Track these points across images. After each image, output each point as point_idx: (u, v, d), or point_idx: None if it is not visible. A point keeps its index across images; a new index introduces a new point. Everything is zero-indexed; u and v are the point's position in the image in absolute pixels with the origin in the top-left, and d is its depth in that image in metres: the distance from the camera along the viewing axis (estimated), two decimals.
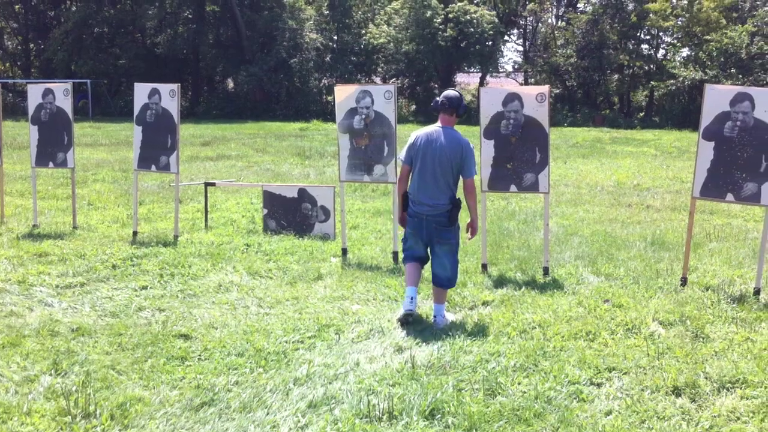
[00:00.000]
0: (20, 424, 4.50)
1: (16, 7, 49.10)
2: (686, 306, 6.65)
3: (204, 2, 44.77)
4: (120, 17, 44.49)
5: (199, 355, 5.58)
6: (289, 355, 5.58)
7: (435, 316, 6.37)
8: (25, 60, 49.63)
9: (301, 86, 41.82)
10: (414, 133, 6.53)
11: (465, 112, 6.44)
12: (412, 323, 6.22)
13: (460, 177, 6.37)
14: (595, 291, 7.16)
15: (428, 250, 6.48)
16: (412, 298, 6.27)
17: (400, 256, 6.96)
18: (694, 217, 7.84)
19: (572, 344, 5.76)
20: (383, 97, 8.31)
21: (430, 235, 6.35)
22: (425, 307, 6.72)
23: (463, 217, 6.60)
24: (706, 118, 7.27)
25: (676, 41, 40.67)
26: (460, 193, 6.36)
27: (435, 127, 6.40)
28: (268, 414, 4.63)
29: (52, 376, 5.18)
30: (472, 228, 6.51)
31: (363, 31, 43.10)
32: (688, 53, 39.34)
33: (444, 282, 6.39)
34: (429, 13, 39.72)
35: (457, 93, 6.48)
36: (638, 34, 40.43)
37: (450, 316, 6.47)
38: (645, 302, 6.80)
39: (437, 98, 6.50)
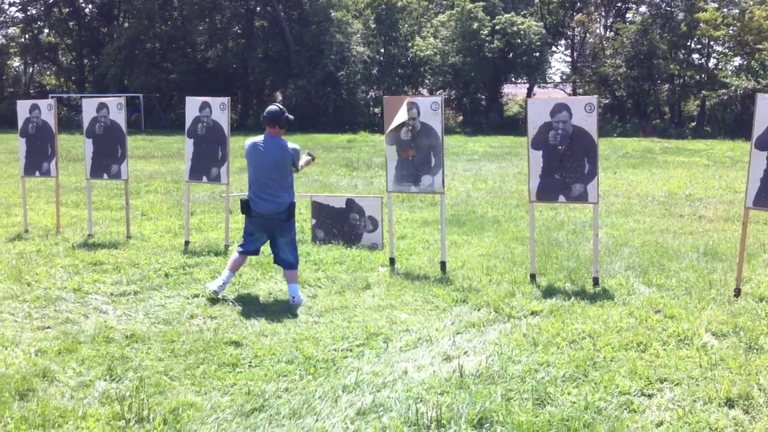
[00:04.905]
0: (75, 427, 4.59)
1: (71, 24, 50.40)
2: (740, 317, 6.54)
3: (253, 18, 45.45)
4: (171, 33, 45.39)
5: (250, 362, 5.64)
6: (337, 363, 5.62)
7: (293, 297, 7.21)
8: (80, 75, 50.88)
9: (349, 99, 42.14)
10: (246, 142, 7.43)
11: (287, 122, 7.24)
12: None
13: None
14: (646, 301, 7.08)
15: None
16: (224, 282, 7.31)
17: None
18: (748, 227, 7.70)
19: (623, 355, 5.70)
20: (430, 108, 8.33)
21: (273, 229, 7.34)
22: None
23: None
24: (759, 127, 7.15)
25: (727, 50, 40.05)
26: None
27: (261, 137, 7.29)
28: (317, 420, 4.67)
29: (106, 382, 5.29)
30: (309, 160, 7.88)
31: (410, 44, 43.27)
32: (740, 62, 38.71)
33: (288, 264, 7.35)
34: (476, 25, 39.74)
35: (276, 107, 7.26)
36: (689, 43, 39.95)
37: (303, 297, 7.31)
38: (697, 313, 6.70)
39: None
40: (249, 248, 7.51)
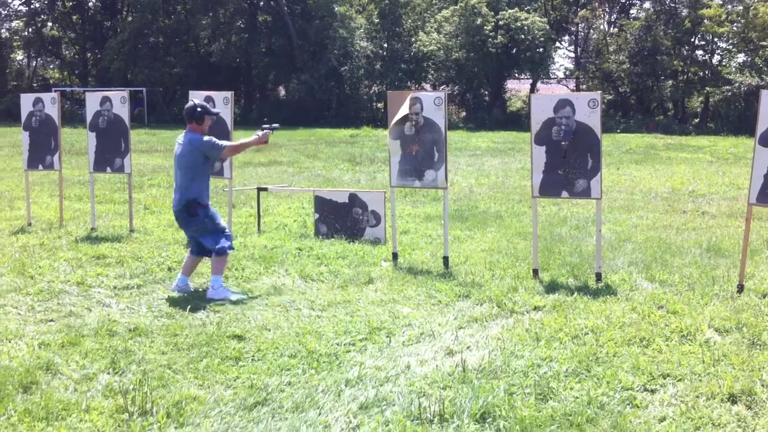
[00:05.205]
0: (79, 420, 4.60)
1: (74, 17, 50.38)
2: (743, 313, 6.53)
3: (256, 12, 45.43)
4: (174, 27, 45.36)
5: (253, 356, 5.65)
6: (340, 357, 5.63)
7: (210, 288, 7.25)
8: (83, 69, 50.86)
9: (352, 94, 42.14)
10: None
11: (200, 116, 7.17)
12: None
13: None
14: (649, 297, 7.07)
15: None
16: (178, 285, 7.37)
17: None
18: (751, 223, 7.69)
19: (626, 350, 5.70)
20: (433, 103, 8.33)
21: (183, 225, 7.40)
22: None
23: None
24: (763, 123, 7.14)
25: (731, 47, 39.96)
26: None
27: (181, 134, 7.35)
28: (320, 414, 4.67)
29: (110, 375, 5.30)
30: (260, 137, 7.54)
31: (413, 39, 43.20)
32: (744, 59, 38.63)
33: (213, 252, 7.28)
34: (479, 21, 39.67)
35: (191, 104, 7.21)
36: (692, 39, 39.86)
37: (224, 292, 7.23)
38: (700, 309, 6.70)
39: None
40: (191, 248, 7.51)
